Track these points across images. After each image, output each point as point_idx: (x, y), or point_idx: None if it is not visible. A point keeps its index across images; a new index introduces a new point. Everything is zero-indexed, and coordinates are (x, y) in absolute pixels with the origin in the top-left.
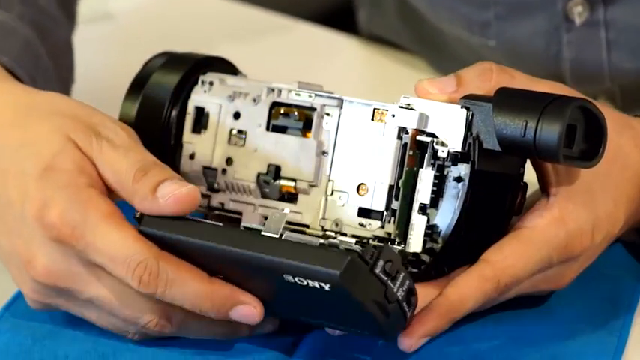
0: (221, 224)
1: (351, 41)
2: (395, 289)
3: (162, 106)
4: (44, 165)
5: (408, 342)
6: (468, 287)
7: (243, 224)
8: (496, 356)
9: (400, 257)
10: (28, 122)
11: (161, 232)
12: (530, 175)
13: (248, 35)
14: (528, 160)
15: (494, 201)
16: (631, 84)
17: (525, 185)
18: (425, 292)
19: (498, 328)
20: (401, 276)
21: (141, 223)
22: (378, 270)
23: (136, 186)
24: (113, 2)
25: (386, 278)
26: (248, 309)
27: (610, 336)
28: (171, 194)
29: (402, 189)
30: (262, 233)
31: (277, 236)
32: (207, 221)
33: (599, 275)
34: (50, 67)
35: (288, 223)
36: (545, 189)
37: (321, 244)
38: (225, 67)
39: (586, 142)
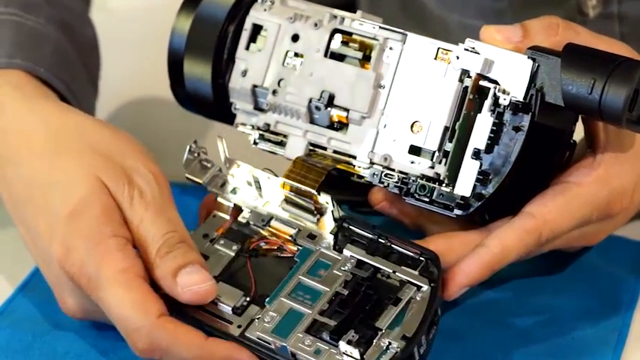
0: (237, 336)
1: None
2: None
3: (219, 18)
4: (72, 207)
5: (449, 291)
6: (510, 239)
7: (252, 335)
8: (497, 353)
9: (409, 344)
10: (59, 155)
11: None
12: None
13: None
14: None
15: (545, 154)
16: None
17: (574, 143)
18: (468, 240)
19: (499, 325)
20: (415, 351)
21: None
22: None
23: (158, 261)
24: None
25: None
26: None
27: (610, 333)
28: (190, 288)
29: (458, 132)
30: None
31: None
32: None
33: (600, 272)
34: (81, 69)
35: (335, 152)
36: (592, 145)
37: None
38: None
39: None
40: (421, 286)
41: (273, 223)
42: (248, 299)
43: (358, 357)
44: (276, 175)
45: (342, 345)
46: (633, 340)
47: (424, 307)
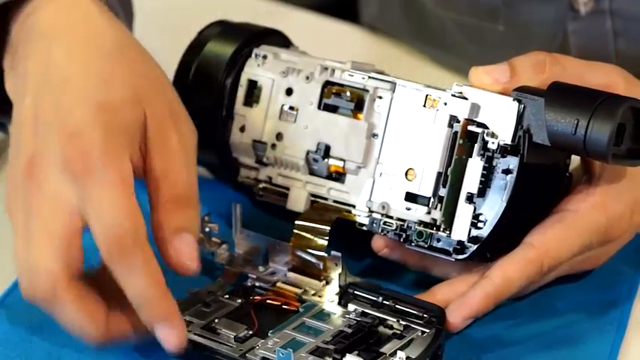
0: (237, 357)
1: (353, 30)
2: None
3: (215, 76)
4: (106, 100)
5: (454, 323)
6: (513, 270)
7: (254, 356)
8: (495, 347)
9: None
10: (122, 61)
11: None
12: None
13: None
14: None
15: (540, 191)
16: (639, 72)
17: (570, 176)
18: (472, 282)
19: (496, 317)
20: None
21: None
22: None
23: (167, 206)
24: None
25: None
26: (169, 333)
27: (609, 325)
28: (185, 261)
29: (451, 177)
30: None
31: None
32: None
33: (599, 265)
34: (122, 15)
35: (336, 202)
36: (587, 172)
37: None
38: (279, 39)
39: (634, 140)
40: (425, 331)
41: (278, 284)
42: (251, 332)
43: None
44: (288, 241)
45: (349, 357)
46: (632, 331)
47: (428, 340)
